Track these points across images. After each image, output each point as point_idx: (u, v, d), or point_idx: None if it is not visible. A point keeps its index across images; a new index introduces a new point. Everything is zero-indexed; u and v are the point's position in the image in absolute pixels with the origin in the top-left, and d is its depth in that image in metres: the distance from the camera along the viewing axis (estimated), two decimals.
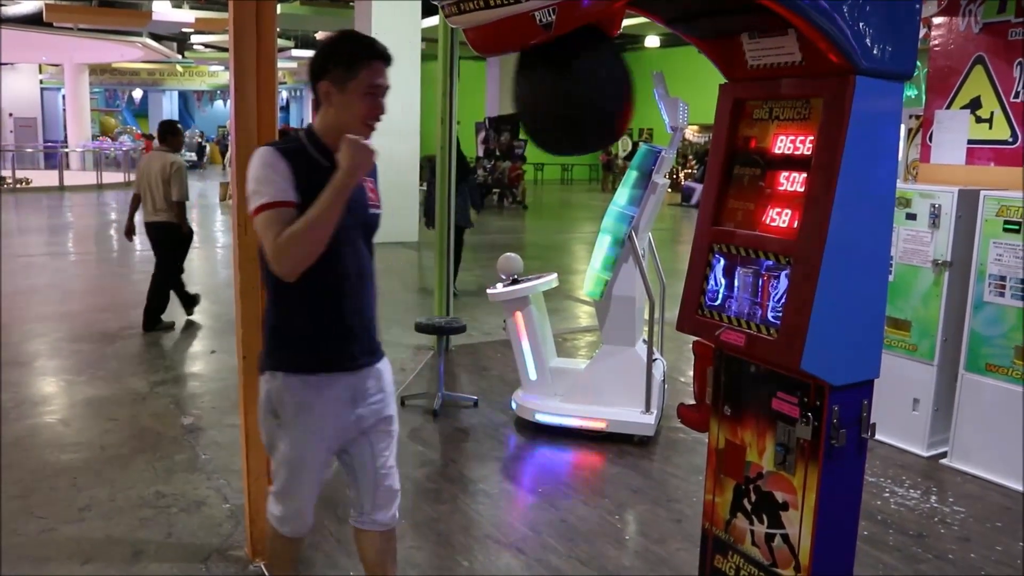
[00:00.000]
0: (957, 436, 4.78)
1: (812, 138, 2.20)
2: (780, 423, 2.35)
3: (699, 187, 22.57)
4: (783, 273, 2.26)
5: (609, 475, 4.70)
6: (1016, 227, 4.40)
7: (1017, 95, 4.92)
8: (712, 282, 2.50)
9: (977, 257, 4.58)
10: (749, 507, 2.51)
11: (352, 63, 2.36)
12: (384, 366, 2.69)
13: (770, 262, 2.32)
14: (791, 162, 2.28)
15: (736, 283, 2.43)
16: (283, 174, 2.32)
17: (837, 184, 2.09)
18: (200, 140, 33.91)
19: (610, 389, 5.15)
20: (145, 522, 3.93)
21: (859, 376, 2.27)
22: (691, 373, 6.51)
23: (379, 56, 2.40)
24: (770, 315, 2.31)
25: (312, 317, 2.48)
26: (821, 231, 2.11)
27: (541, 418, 5.25)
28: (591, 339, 7.73)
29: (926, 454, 4.93)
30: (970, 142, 5.17)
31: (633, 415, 5.06)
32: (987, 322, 4.56)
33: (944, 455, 4.88)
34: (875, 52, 2.08)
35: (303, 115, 22.83)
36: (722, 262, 2.47)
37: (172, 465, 4.62)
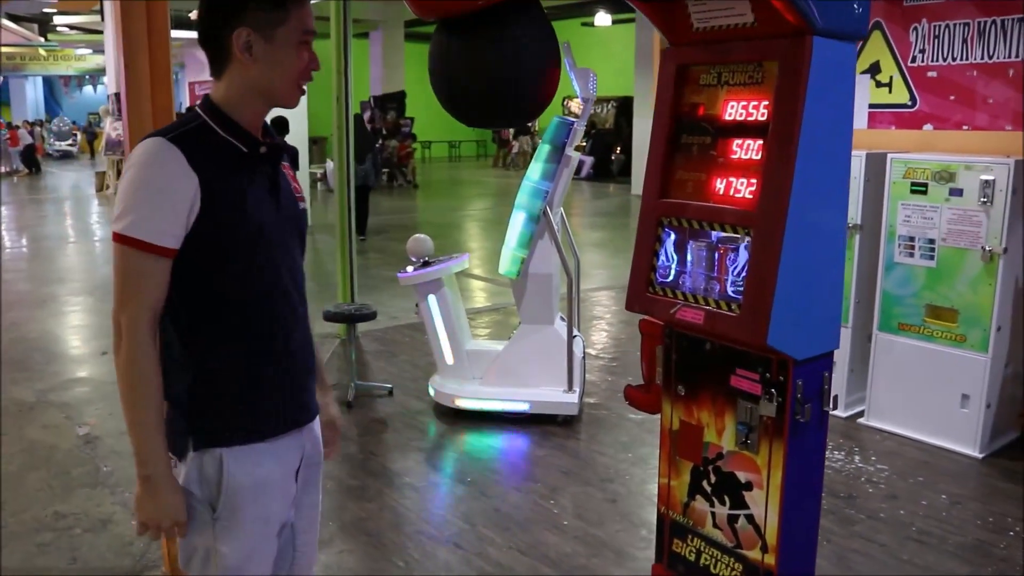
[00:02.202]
0: (872, 395, 4.87)
1: (767, 103, 2.11)
2: (741, 401, 2.27)
3: (588, 159, 22.76)
4: (741, 245, 2.17)
5: (537, 458, 4.59)
6: (923, 188, 4.48)
7: (914, 60, 5.01)
8: (663, 258, 2.39)
9: (887, 219, 4.65)
10: (709, 489, 2.42)
11: (281, 1, 1.71)
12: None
13: (724, 234, 2.22)
14: (744, 129, 2.18)
15: (689, 258, 2.33)
16: (179, 187, 1.65)
17: (798, 150, 2.00)
18: (75, 130, 32.11)
19: (530, 369, 5.03)
20: (44, 548, 3.59)
21: (821, 348, 2.21)
22: (601, 346, 6.50)
23: None
24: (729, 290, 2.21)
25: (261, 358, 1.81)
26: (782, 199, 2.02)
27: (461, 403, 5.09)
28: (497, 318, 7.60)
29: (844, 415, 5.01)
30: (871, 106, 5.25)
31: (556, 395, 4.96)
32: (898, 282, 4.64)
33: (861, 414, 4.97)
34: (831, 11, 2.00)
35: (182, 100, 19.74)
36: (673, 236, 2.36)
37: (70, 481, 4.25)
